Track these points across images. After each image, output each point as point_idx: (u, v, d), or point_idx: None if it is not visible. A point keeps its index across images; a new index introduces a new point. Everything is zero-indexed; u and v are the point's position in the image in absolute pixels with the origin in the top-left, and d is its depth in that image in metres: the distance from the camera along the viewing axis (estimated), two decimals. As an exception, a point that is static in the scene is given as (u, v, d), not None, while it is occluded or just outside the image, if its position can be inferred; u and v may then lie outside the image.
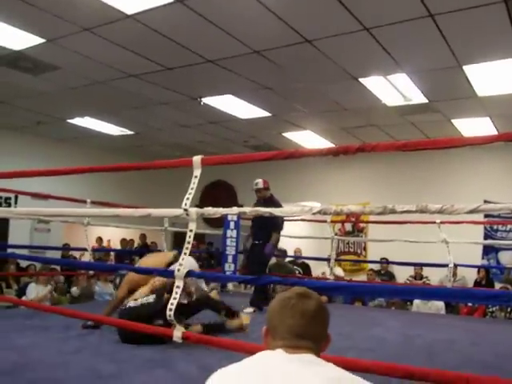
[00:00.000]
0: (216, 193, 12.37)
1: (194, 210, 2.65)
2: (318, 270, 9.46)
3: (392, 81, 7.13)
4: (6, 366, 3.67)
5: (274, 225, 6.68)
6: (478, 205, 2.07)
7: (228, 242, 8.60)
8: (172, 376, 3.80)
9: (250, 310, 6.29)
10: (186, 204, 2.67)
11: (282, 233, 7.28)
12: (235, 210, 2.57)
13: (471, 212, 2.03)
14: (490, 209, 2.13)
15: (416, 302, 8.31)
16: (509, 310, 8.14)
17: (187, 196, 2.70)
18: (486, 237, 10.01)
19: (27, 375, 3.47)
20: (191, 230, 2.65)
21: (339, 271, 10.19)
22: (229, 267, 8.45)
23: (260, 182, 6.81)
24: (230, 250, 8.60)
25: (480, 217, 9.41)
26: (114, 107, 9.08)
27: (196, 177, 2.70)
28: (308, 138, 10.40)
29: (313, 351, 1.45)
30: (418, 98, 7.73)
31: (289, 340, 1.45)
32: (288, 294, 1.55)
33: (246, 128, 9.96)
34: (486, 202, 9.66)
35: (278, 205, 6.52)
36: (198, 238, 11.72)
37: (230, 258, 8.59)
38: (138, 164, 3.99)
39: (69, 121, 10.13)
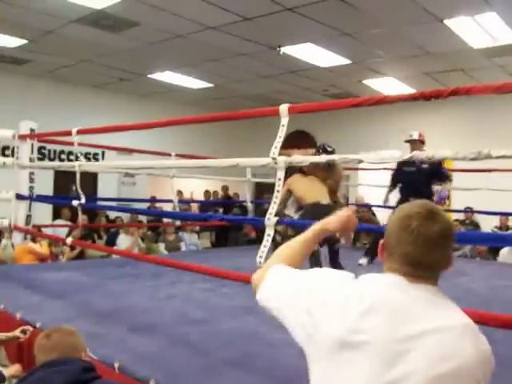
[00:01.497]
0: (296, 143, 12.27)
1: (281, 159, 2.65)
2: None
3: (480, 21, 6.75)
4: (105, 310, 3.91)
5: (445, 177, 6.43)
6: None
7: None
8: (259, 321, 3.91)
9: (364, 260, 6.32)
10: (274, 153, 2.68)
11: (360, 181, 6.93)
12: (324, 157, 2.55)
13: None
14: None
15: (502, 252, 8.05)
16: None
17: (275, 145, 2.70)
18: None
19: (124, 319, 3.69)
20: (280, 179, 2.67)
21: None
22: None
23: (415, 134, 6.39)
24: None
25: None
26: (193, 60, 9.14)
27: (283, 125, 2.70)
28: (389, 85, 10.10)
29: (432, 281, 1.31)
30: (508, 38, 7.29)
31: (405, 267, 1.30)
32: (410, 211, 1.32)
33: (325, 76, 9.78)
34: None
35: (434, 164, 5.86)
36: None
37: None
38: (224, 114, 4.02)
39: (149, 76, 10.32)
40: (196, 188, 11.98)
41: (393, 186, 6.75)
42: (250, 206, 7.76)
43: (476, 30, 7.07)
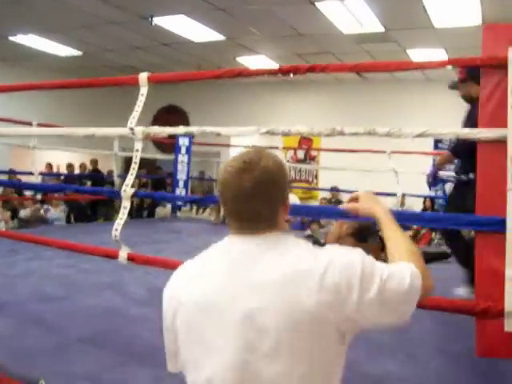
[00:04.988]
0: (168, 118, 12.14)
1: (139, 129, 2.56)
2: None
3: (348, 6, 6.97)
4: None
5: None
6: (425, 129, 2.07)
7: (179, 166, 8.51)
8: (119, 297, 3.85)
9: None
10: (131, 122, 2.58)
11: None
12: (182, 129, 2.50)
13: (418, 136, 2.04)
14: (437, 134, 2.13)
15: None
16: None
17: (133, 115, 2.61)
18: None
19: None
20: (137, 150, 2.59)
21: (294, 198, 10.35)
22: (180, 192, 8.41)
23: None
24: (181, 175, 8.54)
25: (429, 148, 9.65)
26: (60, 25, 8.60)
27: (142, 95, 2.61)
28: (261, 64, 10.20)
29: (268, 229, 1.28)
30: (374, 25, 7.62)
31: (236, 222, 1.29)
32: (229, 165, 1.30)
33: (199, 51, 9.67)
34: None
35: None
36: (150, 164, 11.59)
37: (181, 183, 8.54)
38: (81, 80, 3.81)
39: (11, 38, 9.56)
40: (64, 161, 11.40)
41: None
42: (117, 180, 7.53)
43: (345, 16, 7.30)
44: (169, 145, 9.50)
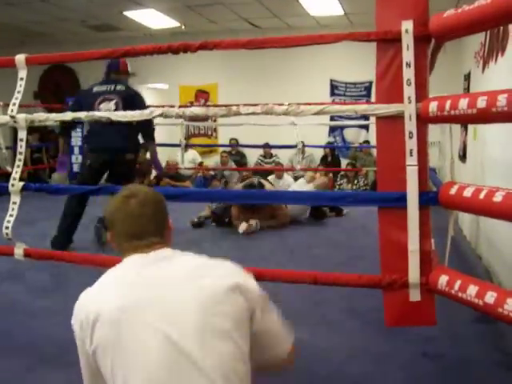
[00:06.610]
0: (56, 77, 11.44)
1: (22, 117, 2.34)
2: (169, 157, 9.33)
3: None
4: None
5: None
6: (323, 106, 2.05)
7: (73, 133, 8.17)
8: (20, 288, 3.62)
9: None
10: (12, 110, 2.35)
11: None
12: (69, 115, 2.31)
13: (317, 113, 2.02)
14: (336, 110, 2.14)
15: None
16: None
17: (13, 101, 2.37)
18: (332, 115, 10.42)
19: None
20: (22, 140, 2.37)
21: (195, 154, 10.29)
22: (76, 159, 8.10)
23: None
24: (76, 141, 8.20)
25: (326, 98, 9.86)
26: None
27: (22, 79, 2.37)
28: (151, 17, 9.77)
29: (163, 244, 1.47)
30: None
31: (135, 242, 1.44)
32: (115, 197, 1.52)
33: (82, 6, 9.04)
34: (332, 80, 10.16)
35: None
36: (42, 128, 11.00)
37: (76, 150, 8.22)
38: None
39: None
40: None
41: None
42: (5, 152, 7.02)
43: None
44: (61, 110, 9.03)
